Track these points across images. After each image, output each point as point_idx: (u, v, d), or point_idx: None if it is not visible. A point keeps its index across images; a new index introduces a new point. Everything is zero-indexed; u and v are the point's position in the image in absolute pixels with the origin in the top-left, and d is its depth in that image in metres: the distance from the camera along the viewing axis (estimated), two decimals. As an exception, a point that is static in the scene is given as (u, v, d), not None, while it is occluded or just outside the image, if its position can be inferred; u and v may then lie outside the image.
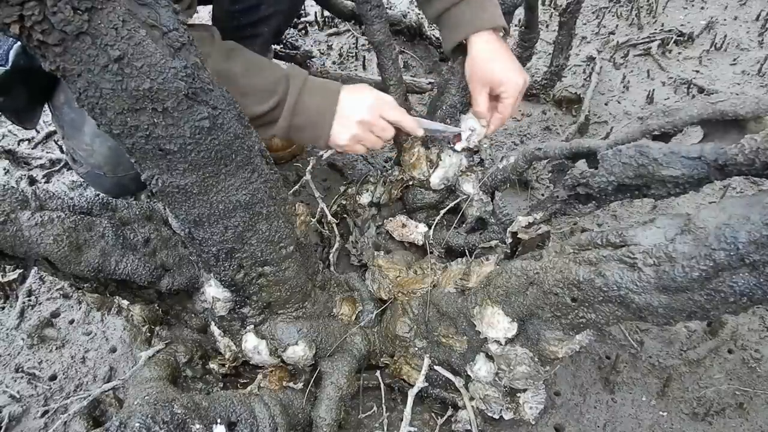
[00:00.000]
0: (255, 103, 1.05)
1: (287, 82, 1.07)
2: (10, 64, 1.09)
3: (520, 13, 1.80)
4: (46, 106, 1.29)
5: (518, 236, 1.09)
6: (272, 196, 0.95)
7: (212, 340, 1.17)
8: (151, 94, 0.70)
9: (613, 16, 2.42)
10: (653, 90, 1.97)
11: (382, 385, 1.20)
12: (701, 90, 1.97)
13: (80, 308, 1.42)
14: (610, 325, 0.85)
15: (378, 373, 1.22)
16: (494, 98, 1.23)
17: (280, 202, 0.98)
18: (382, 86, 1.43)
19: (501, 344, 0.99)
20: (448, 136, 1.33)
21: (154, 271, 1.00)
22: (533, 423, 1.11)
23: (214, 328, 1.13)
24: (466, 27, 1.19)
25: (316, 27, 2.44)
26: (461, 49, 1.25)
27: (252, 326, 1.10)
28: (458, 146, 1.36)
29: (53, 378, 1.29)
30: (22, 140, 1.96)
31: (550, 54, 1.94)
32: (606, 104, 1.98)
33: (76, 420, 1.14)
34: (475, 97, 1.24)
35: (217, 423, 0.91)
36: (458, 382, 1.12)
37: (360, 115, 1.11)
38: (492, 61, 1.19)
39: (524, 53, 1.93)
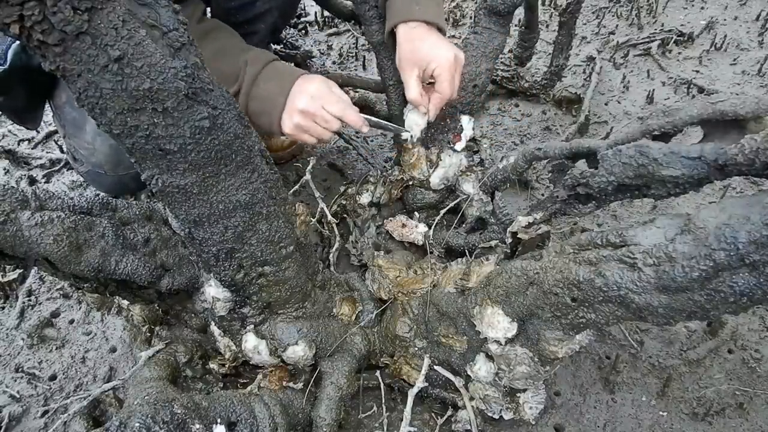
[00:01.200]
0: None
1: (245, 68, 1.07)
2: (8, 63, 1.09)
3: (520, 13, 1.80)
4: (47, 105, 1.29)
5: (518, 236, 1.09)
6: (272, 196, 0.95)
7: (212, 340, 1.17)
8: (151, 94, 0.70)
9: (613, 16, 2.42)
10: (653, 90, 1.97)
11: (382, 385, 1.20)
12: (701, 90, 1.97)
13: (80, 308, 1.42)
14: (610, 325, 0.85)
15: (378, 373, 1.22)
16: (431, 84, 1.21)
17: (280, 202, 0.98)
18: (382, 86, 1.43)
19: (501, 344, 0.99)
20: (397, 132, 1.34)
21: (154, 271, 1.00)
22: (533, 423, 1.11)
23: (214, 328, 1.13)
24: (394, 17, 1.18)
25: (316, 27, 2.44)
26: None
27: (252, 326, 1.10)
28: (458, 146, 1.36)
29: (53, 378, 1.29)
30: (22, 140, 1.96)
31: (550, 54, 1.94)
32: (606, 104, 1.98)
33: (76, 420, 1.14)
34: (405, 82, 1.22)
35: (217, 423, 0.91)
36: (458, 382, 1.12)
37: (302, 104, 1.11)
38: (418, 41, 1.17)
39: (524, 53, 1.93)
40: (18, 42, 1.05)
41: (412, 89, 1.21)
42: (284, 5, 1.47)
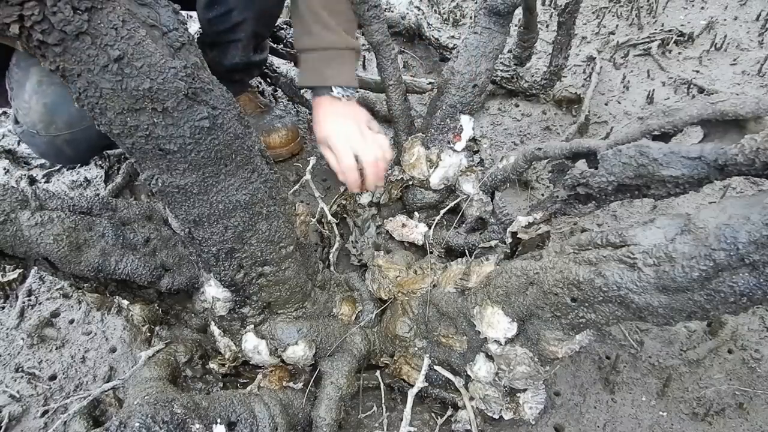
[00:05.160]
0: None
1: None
2: None
3: (519, 13, 1.80)
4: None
5: (518, 236, 1.09)
6: (272, 196, 0.95)
7: (212, 340, 1.17)
8: (151, 94, 0.70)
9: (613, 16, 2.42)
10: (653, 90, 1.97)
11: (382, 385, 1.20)
12: (701, 90, 1.97)
13: (80, 308, 1.42)
14: (610, 325, 0.85)
15: (378, 373, 1.22)
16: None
17: (280, 202, 0.98)
18: (382, 86, 1.43)
19: (501, 344, 0.99)
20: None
21: (154, 271, 1.00)
22: (533, 423, 1.11)
23: (214, 328, 1.13)
24: (306, 80, 1.31)
25: (316, 27, 2.43)
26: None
27: (252, 326, 1.10)
28: (458, 146, 1.36)
29: (53, 378, 1.29)
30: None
31: (549, 54, 1.94)
32: (606, 104, 1.98)
33: (76, 420, 1.14)
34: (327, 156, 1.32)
35: (217, 423, 0.91)
36: (458, 382, 1.12)
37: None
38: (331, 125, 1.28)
39: (523, 53, 1.93)
40: None
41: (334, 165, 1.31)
42: (260, 15, 1.50)
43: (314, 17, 1.23)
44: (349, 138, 1.24)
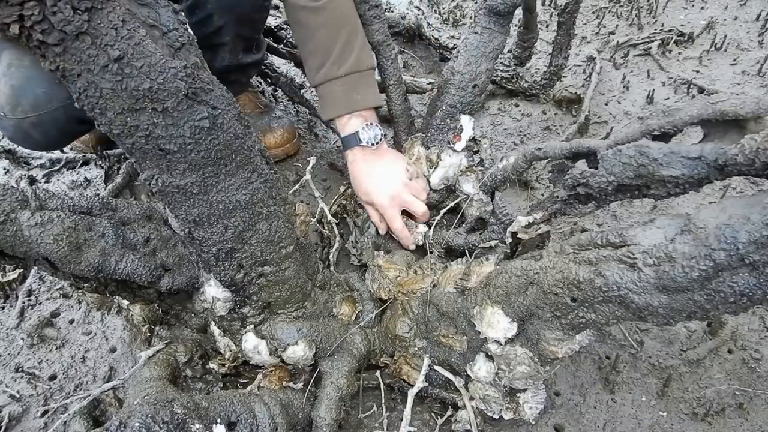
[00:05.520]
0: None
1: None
2: None
3: (519, 13, 1.80)
4: None
5: (518, 236, 1.09)
6: (272, 196, 0.95)
7: (212, 340, 1.17)
8: (151, 94, 0.70)
9: (613, 16, 2.42)
10: (653, 90, 1.97)
11: (382, 385, 1.20)
12: (701, 90, 1.97)
13: (80, 308, 1.42)
14: (610, 325, 0.85)
15: (378, 373, 1.22)
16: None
17: (280, 202, 0.98)
18: (382, 86, 1.43)
19: (501, 344, 0.99)
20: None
21: (154, 271, 1.00)
22: (533, 423, 1.11)
23: (214, 328, 1.13)
24: (331, 108, 1.28)
25: (316, 27, 2.43)
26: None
27: (252, 326, 1.10)
28: (458, 146, 1.36)
29: (53, 378, 1.29)
30: (22, 140, 1.96)
31: (550, 54, 1.94)
32: (606, 104, 1.98)
33: (76, 420, 1.14)
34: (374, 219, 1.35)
35: (217, 423, 0.91)
36: (458, 382, 1.12)
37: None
38: (358, 175, 1.30)
39: (523, 53, 1.93)
40: None
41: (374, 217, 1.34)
42: (240, 18, 1.49)
43: (323, 47, 1.21)
44: (393, 197, 1.25)
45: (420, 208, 1.27)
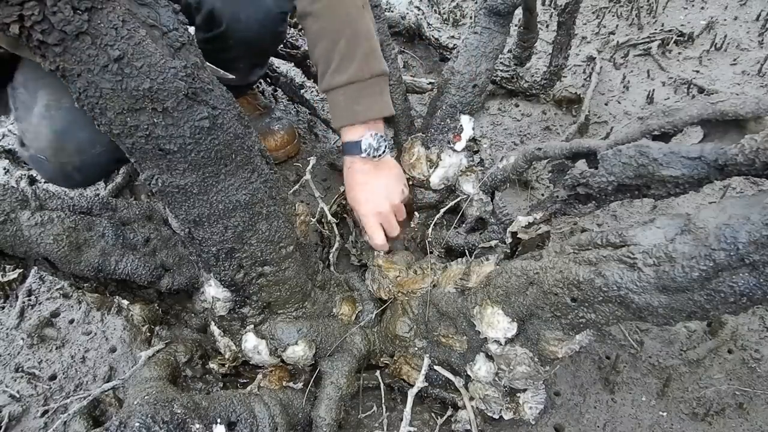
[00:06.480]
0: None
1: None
2: None
3: (519, 13, 1.80)
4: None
5: (518, 236, 1.09)
6: (272, 196, 0.95)
7: (212, 340, 1.17)
8: (151, 94, 0.70)
9: (613, 16, 2.42)
10: (653, 90, 1.97)
11: (382, 385, 1.20)
12: (701, 90, 1.97)
13: (80, 308, 1.42)
14: (610, 325, 0.85)
15: (378, 373, 1.22)
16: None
17: (280, 202, 0.98)
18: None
19: (501, 344, 0.99)
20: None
21: (154, 271, 1.00)
22: (533, 423, 1.11)
23: (214, 328, 1.13)
24: (335, 119, 1.23)
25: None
26: None
27: (252, 326, 1.10)
28: (458, 146, 1.36)
29: (53, 378, 1.29)
30: (22, 140, 1.96)
31: (550, 54, 1.94)
32: (606, 104, 1.98)
33: (76, 420, 1.14)
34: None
35: (217, 423, 0.91)
36: (458, 382, 1.12)
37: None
38: (350, 186, 1.26)
39: (523, 53, 1.94)
40: None
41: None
42: (259, 51, 1.48)
43: (327, 53, 1.16)
44: (378, 215, 1.23)
45: (392, 234, 1.26)
